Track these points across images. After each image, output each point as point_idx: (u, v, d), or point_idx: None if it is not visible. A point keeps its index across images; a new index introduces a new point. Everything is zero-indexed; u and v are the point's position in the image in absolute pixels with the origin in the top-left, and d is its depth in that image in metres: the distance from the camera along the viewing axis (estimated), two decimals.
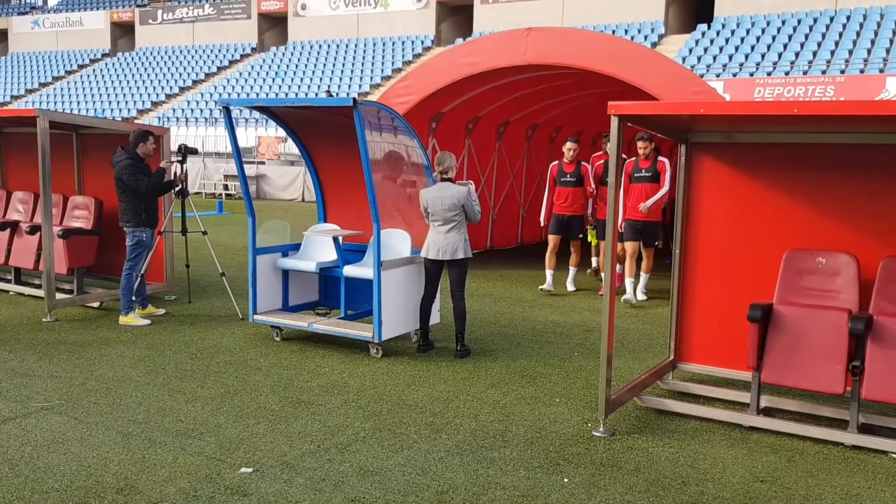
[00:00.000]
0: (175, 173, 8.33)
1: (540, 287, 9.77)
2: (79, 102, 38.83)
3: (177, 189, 8.26)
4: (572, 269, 9.93)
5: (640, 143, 8.89)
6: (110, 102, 38.17)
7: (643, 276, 9.34)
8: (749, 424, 5.07)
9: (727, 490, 4.16)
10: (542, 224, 10.11)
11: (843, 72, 24.14)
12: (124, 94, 38.93)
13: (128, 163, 7.54)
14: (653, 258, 9.29)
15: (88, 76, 42.88)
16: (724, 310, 5.66)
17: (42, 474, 4.19)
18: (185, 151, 8.31)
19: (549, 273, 9.78)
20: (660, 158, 9.02)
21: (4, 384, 5.71)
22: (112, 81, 41.10)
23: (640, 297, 9.29)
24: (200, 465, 4.34)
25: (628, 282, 9.15)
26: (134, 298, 7.78)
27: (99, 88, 40.47)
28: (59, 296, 8.05)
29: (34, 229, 8.65)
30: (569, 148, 9.72)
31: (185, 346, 6.91)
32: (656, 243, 9.43)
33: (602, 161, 9.87)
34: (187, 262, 8.90)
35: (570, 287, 9.94)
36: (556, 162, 9.94)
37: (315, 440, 4.74)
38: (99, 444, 4.61)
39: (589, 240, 10.33)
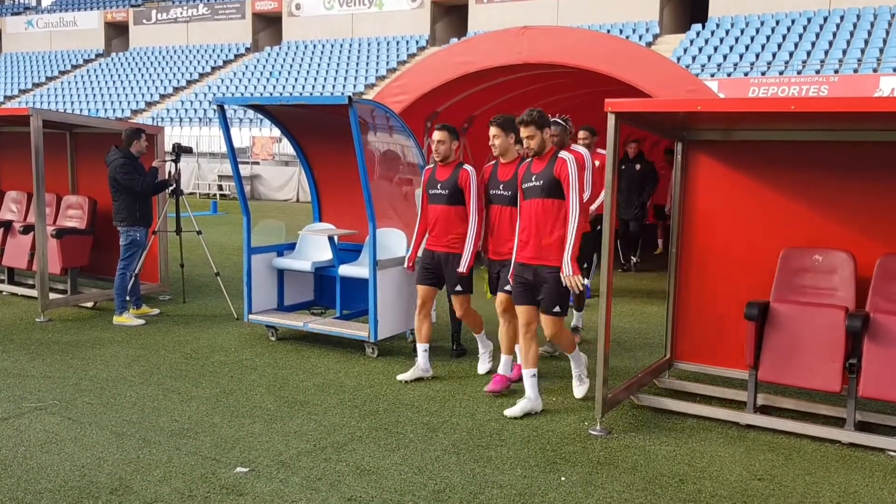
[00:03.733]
0: (169, 172, 8.30)
1: None
2: (73, 102, 38.71)
3: (171, 188, 8.23)
4: None
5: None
6: (104, 102, 38.05)
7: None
8: (746, 422, 5.06)
9: (725, 488, 4.15)
10: None
11: (836, 71, 24.20)
12: (118, 94, 38.82)
13: (122, 162, 7.50)
14: None
15: (82, 76, 42.74)
16: (721, 308, 5.65)
17: (35, 475, 4.15)
18: (179, 150, 8.28)
19: None
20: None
21: None
22: (106, 81, 40.98)
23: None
24: (195, 464, 4.31)
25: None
26: (128, 298, 7.74)
27: (93, 88, 40.34)
28: (52, 296, 8.01)
29: (27, 229, 8.60)
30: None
31: (179, 345, 6.88)
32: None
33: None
34: (182, 261, 8.87)
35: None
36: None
37: (311, 439, 4.71)
38: (93, 444, 4.58)
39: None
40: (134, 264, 7.72)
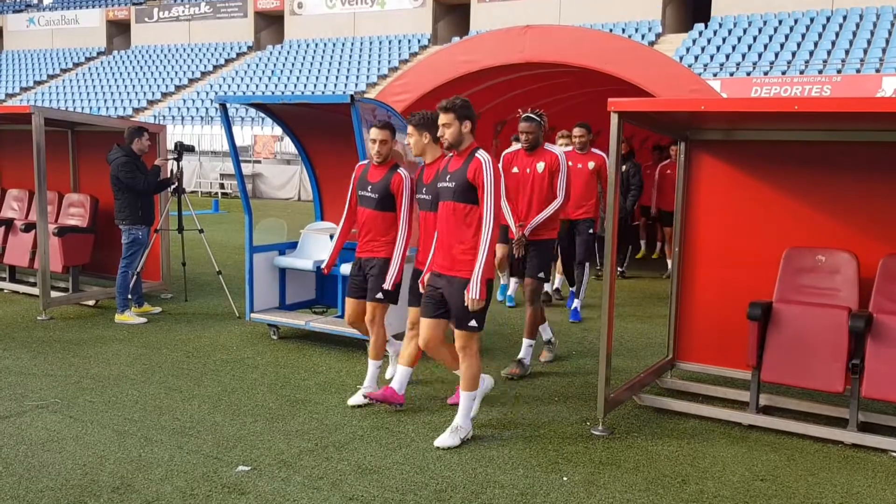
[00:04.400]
0: (171, 171, 8.30)
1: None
2: (74, 101, 38.71)
3: (173, 187, 8.23)
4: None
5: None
6: (106, 101, 38.05)
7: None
8: (748, 423, 5.05)
9: (727, 488, 4.14)
10: None
11: (839, 71, 24.16)
12: (120, 93, 38.82)
13: (124, 160, 7.50)
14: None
15: (84, 74, 42.74)
16: (724, 308, 5.64)
17: (37, 473, 4.15)
18: (181, 149, 8.27)
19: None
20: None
21: None
22: (108, 80, 40.97)
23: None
24: (197, 463, 4.31)
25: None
26: (130, 297, 7.73)
27: (95, 87, 40.34)
28: (54, 294, 8.00)
29: (29, 227, 8.59)
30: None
31: (181, 344, 6.87)
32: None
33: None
34: (183, 260, 8.86)
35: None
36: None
37: (312, 438, 4.71)
38: (94, 442, 4.57)
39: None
40: (136, 263, 7.71)
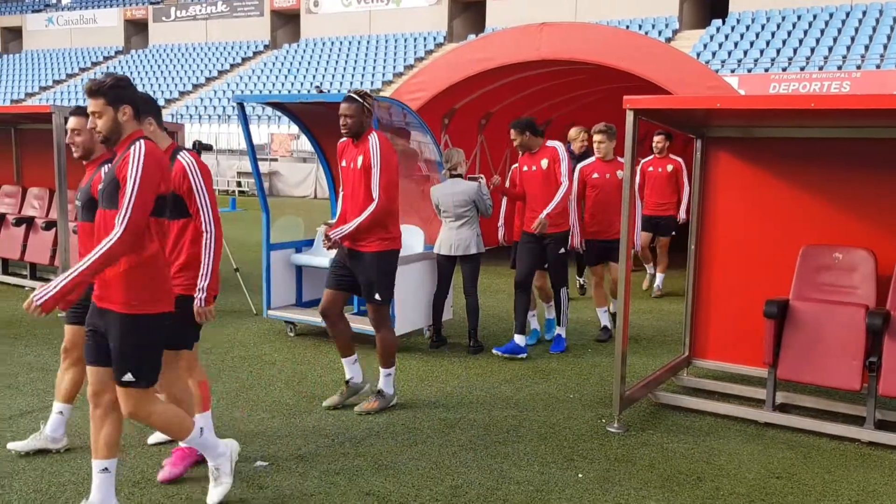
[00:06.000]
0: None
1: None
2: None
3: None
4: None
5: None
6: None
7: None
8: (765, 421, 5.04)
9: (743, 486, 4.14)
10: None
11: (859, 67, 23.94)
12: None
13: None
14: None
15: (102, 73, 42.99)
16: (740, 306, 5.63)
17: (59, 467, 4.22)
18: (200, 147, 8.33)
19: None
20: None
21: (21, 378, 5.75)
22: None
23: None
24: None
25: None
26: None
27: None
28: None
29: (49, 225, 8.70)
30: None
31: (200, 340, 6.92)
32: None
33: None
34: None
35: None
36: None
37: (329, 434, 4.75)
38: None
39: None
40: None
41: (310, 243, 7.66)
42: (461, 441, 4.68)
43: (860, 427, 4.79)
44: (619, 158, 6.91)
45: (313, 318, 7.01)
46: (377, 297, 5.09)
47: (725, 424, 5.06)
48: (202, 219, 3.95)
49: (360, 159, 5.02)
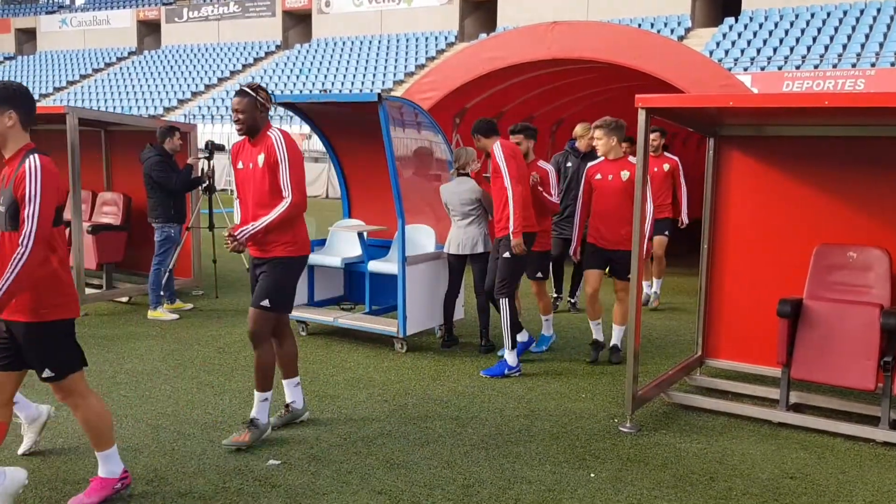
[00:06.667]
0: (202, 169, 8.42)
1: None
2: (106, 100, 39.31)
3: (204, 185, 8.36)
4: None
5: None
6: (137, 100, 38.59)
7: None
8: (778, 420, 5.01)
9: (756, 486, 4.12)
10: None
11: (873, 65, 23.77)
12: (151, 92, 39.34)
13: (157, 159, 7.63)
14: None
15: (116, 74, 43.37)
16: (753, 305, 5.60)
17: (73, 465, 4.25)
18: (213, 148, 8.40)
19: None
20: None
21: (35, 377, 5.77)
22: (139, 79, 41.56)
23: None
24: (229, 457, 4.38)
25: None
26: (162, 293, 7.86)
27: (126, 86, 40.93)
28: (88, 291, 8.16)
29: (64, 225, 8.76)
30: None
31: (212, 340, 6.97)
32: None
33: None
34: (214, 257, 8.98)
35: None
36: None
37: (341, 433, 4.76)
38: (129, 436, 4.66)
39: None
40: (168, 260, 7.84)
41: (322, 243, 7.68)
42: (473, 440, 4.68)
43: (875, 427, 4.75)
44: (631, 158, 6.16)
45: (325, 317, 7.03)
46: (266, 303, 4.48)
47: (739, 424, 5.03)
48: (23, 230, 3.33)
49: (260, 158, 4.57)
